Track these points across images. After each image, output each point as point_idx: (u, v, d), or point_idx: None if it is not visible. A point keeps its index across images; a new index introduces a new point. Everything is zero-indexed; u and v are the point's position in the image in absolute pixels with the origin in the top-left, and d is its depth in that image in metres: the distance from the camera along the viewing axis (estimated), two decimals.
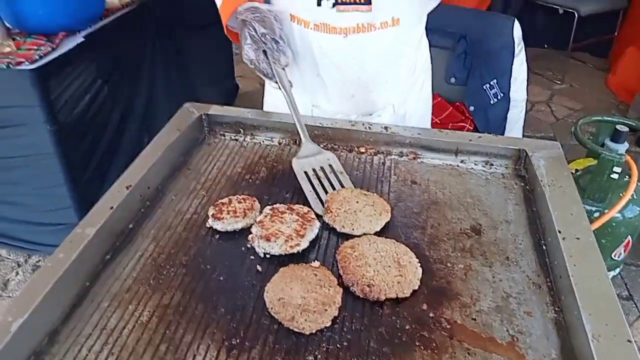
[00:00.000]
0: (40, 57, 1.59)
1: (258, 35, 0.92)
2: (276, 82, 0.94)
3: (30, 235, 2.02)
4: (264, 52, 0.94)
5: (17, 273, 2.06)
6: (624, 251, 1.83)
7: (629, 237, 1.78)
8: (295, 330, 0.61)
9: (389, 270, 0.67)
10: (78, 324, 0.63)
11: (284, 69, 0.95)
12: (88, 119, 1.83)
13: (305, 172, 0.87)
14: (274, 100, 1.19)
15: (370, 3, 0.93)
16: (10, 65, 1.53)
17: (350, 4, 0.93)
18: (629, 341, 0.56)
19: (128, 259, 0.73)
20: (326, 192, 0.83)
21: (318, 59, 1.02)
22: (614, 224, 1.67)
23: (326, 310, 0.62)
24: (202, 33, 2.59)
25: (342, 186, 0.85)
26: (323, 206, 0.80)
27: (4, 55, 1.57)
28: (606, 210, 1.62)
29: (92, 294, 0.67)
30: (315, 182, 0.85)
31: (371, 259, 0.68)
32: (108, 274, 0.70)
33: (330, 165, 0.88)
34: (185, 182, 0.89)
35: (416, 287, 0.67)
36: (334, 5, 0.93)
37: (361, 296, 0.65)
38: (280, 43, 0.93)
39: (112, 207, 0.76)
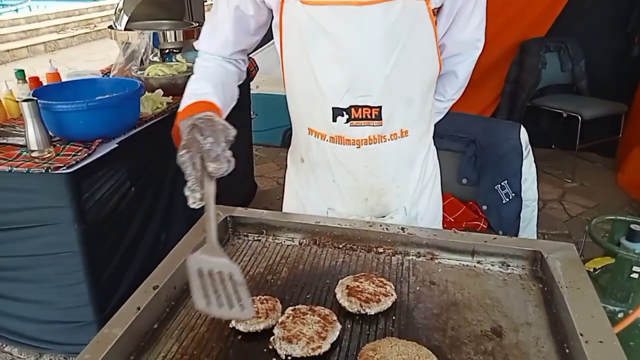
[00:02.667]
0: (77, 162, 1.71)
1: (201, 142, 0.85)
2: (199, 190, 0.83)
3: (44, 333, 2.00)
4: (201, 158, 0.84)
5: None
6: None
7: None
8: None
9: None
10: None
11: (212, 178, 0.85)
12: (114, 219, 1.90)
13: (200, 270, 0.73)
14: (293, 202, 1.26)
15: (381, 119, 1.02)
16: (49, 170, 1.64)
17: (362, 119, 1.02)
18: None
19: None
20: (216, 292, 0.70)
21: (333, 167, 1.10)
22: None
23: None
24: None
25: (238, 296, 0.70)
26: (206, 304, 0.68)
27: (45, 160, 1.70)
28: (630, 311, 1.57)
29: None
30: (208, 281, 0.71)
31: None
32: None
33: (230, 275, 0.73)
34: None
35: None
36: (347, 121, 1.03)
37: None
38: (220, 154, 0.84)
39: (139, 308, 0.79)
